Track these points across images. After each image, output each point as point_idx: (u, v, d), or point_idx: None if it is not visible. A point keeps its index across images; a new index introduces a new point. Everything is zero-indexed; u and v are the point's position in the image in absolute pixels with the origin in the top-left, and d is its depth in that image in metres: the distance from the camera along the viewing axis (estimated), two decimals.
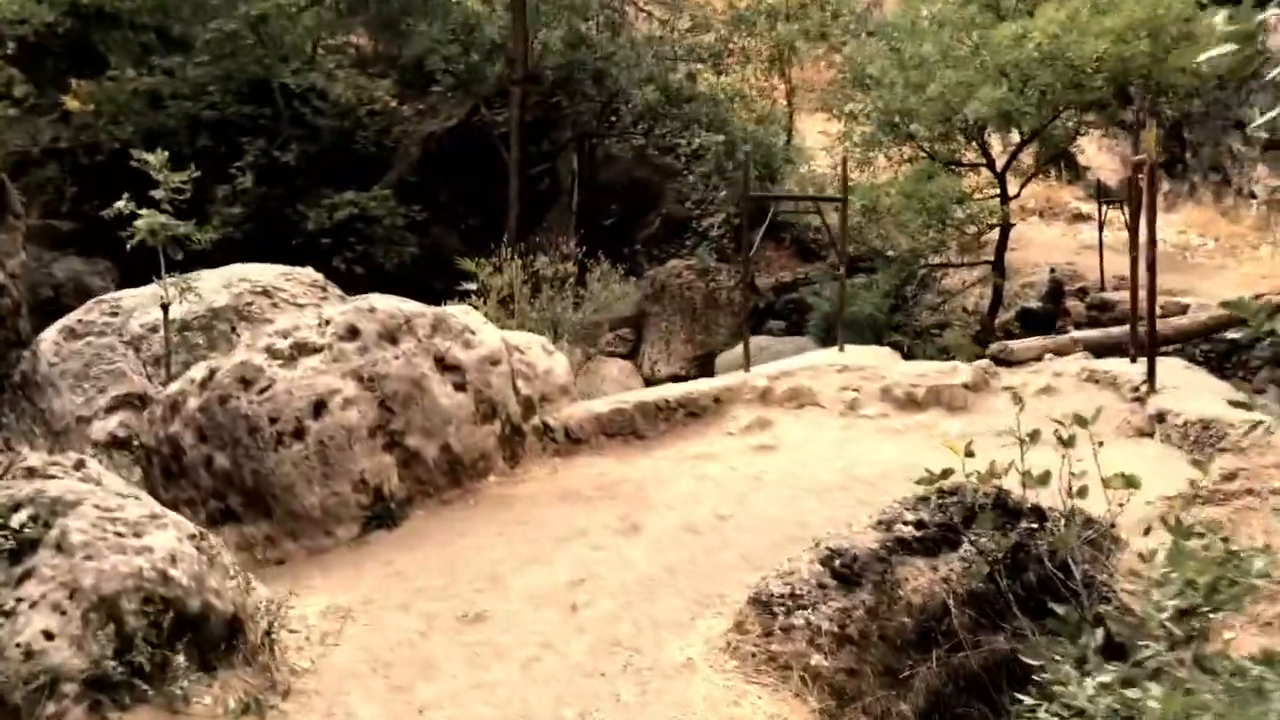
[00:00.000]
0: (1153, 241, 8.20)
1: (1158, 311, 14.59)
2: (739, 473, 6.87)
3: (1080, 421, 3.90)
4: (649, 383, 16.35)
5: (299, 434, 6.21)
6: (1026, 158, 16.21)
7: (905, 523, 4.94)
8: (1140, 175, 8.62)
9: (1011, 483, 4.27)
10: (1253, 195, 18.52)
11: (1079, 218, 21.48)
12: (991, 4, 14.19)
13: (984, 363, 8.48)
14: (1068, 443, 3.93)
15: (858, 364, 9.00)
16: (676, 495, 6.49)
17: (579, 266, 13.14)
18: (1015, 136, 15.19)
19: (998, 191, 15.31)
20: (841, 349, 9.76)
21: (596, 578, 5.27)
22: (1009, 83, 13.02)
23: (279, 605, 4.61)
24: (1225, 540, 2.90)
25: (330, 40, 20.06)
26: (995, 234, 15.66)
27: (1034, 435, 4.08)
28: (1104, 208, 15.82)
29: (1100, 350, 9.38)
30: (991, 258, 15.77)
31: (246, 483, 6.24)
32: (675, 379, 18.48)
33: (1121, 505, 4.04)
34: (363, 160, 18.63)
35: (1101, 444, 3.94)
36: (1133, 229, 16.17)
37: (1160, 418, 6.51)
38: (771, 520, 5.82)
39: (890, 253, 15.53)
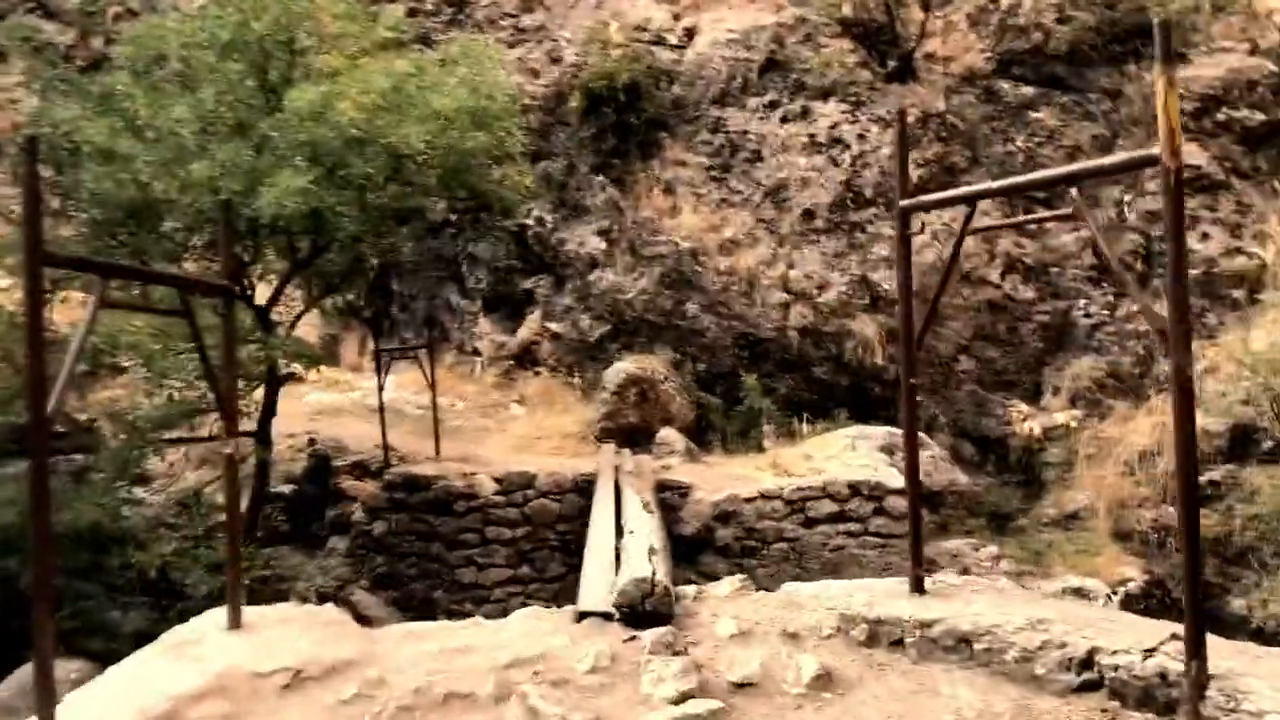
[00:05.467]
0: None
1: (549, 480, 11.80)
2: None
3: None
4: None
5: None
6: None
7: None
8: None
9: None
10: (477, 352, 17.33)
11: (290, 377, 17.85)
12: (259, 65, 9.95)
13: (662, 632, 4.14)
14: None
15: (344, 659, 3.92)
16: None
17: None
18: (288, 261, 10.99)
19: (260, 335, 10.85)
20: (231, 618, 4.43)
21: None
22: (316, 169, 8.96)
23: None
24: None
25: None
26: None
27: None
28: (385, 359, 12.59)
29: None
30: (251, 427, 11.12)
31: None
32: None
33: None
34: None
35: None
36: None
37: None
38: None
39: (107, 427, 9.77)
